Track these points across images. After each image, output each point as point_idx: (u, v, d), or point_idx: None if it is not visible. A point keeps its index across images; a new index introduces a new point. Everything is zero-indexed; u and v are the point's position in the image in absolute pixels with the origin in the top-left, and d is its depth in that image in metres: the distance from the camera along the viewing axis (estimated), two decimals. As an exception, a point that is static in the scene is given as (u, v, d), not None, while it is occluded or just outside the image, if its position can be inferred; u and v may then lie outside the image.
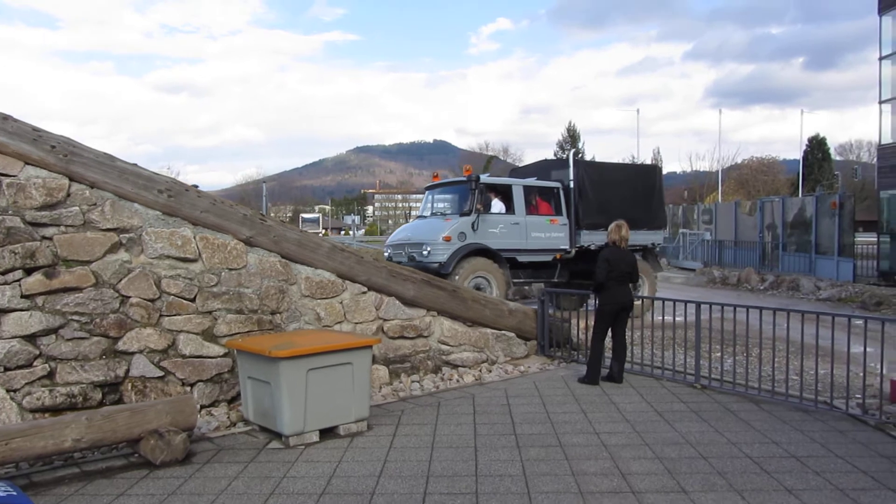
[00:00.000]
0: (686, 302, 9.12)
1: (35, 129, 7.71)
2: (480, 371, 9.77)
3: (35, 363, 7.26)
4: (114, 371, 7.60)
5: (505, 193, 15.07)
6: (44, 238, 7.53)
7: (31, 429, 5.89)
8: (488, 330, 10.35)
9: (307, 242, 9.08)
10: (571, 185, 15.31)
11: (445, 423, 7.31)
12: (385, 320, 9.53)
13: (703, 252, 33.61)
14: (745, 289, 24.04)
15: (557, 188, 15.37)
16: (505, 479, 5.64)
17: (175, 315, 8.08)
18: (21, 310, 7.28)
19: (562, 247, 15.25)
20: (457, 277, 13.47)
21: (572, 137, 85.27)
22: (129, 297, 7.84)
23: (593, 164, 17.65)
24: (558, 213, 15.41)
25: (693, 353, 9.17)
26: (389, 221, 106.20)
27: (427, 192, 16.69)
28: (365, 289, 9.40)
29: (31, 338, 7.28)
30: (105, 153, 8.10)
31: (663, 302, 9.73)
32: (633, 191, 15.84)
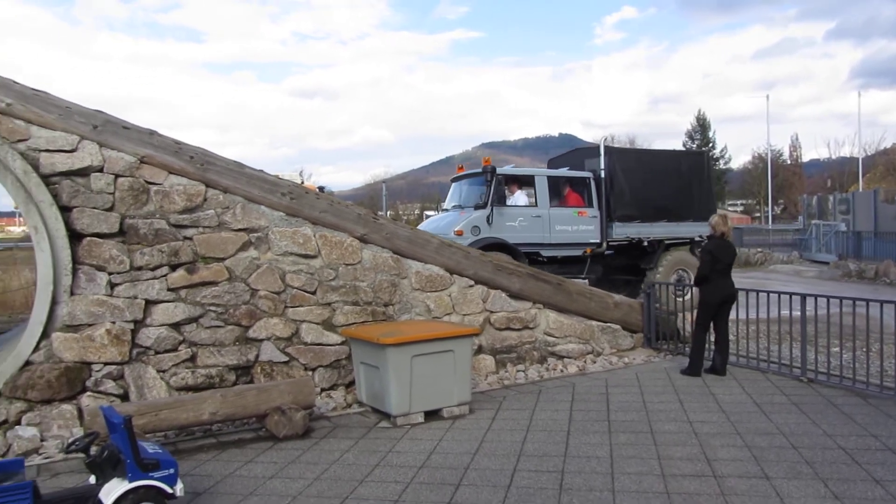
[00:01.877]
0: (791, 294, 9.01)
1: (176, 142, 8.75)
2: (585, 362, 10.05)
3: (179, 348, 8.27)
4: (245, 356, 8.50)
5: (529, 185, 14.23)
6: (185, 238, 8.53)
7: (176, 402, 6.83)
8: (594, 322, 10.60)
9: (417, 239, 9.70)
10: (602, 174, 14.31)
11: (543, 409, 7.69)
12: (492, 312, 9.99)
13: (839, 244, 31.82)
14: (884, 283, 22.69)
15: (588, 178, 14.37)
16: (591, 460, 5.97)
17: (298, 306, 8.90)
18: (167, 301, 8.31)
19: (591, 240, 14.22)
20: None
21: (702, 126, 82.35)
22: (258, 289, 8.73)
23: (628, 152, 16.25)
24: (590, 204, 14.43)
25: (807, 346, 9.05)
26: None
27: (452, 183, 15.78)
28: (472, 282, 9.90)
29: (176, 326, 8.29)
30: (235, 161, 9.05)
31: (768, 295, 9.62)
32: (677, 180, 14.68)
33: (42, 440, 7.14)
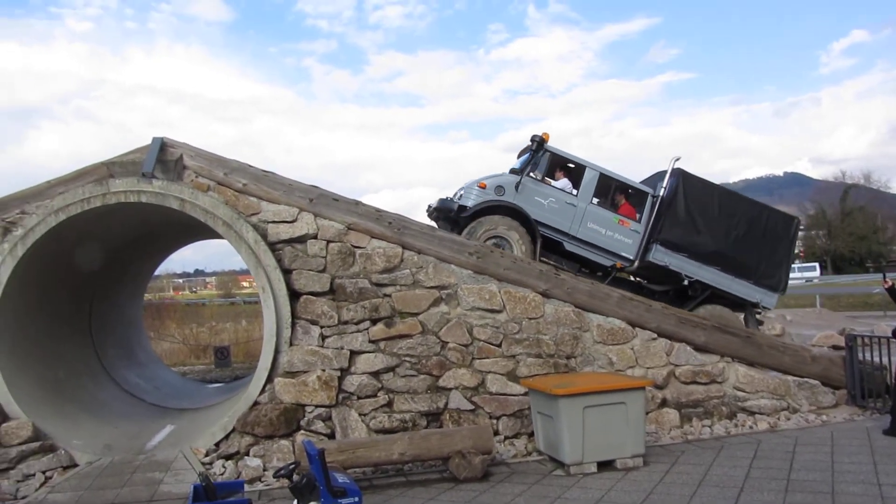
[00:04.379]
0: None
1: (377, 210, 9.91)
2: (778, 419, 9.64)
3: (378, 394, 9.25)
4: (436, 403, 9.28)
5: (579, 175, 13.00)
6: (384, 295, 9.58)
7: (370, 442, 7.72)
8: (789, 377, 10.14)
9: (597, 293, 10.01)
10: (663, 192, 12.99)
11: (721, 464, 7.61)
12: (676, 366, 9.97)
13: None
14: None
15: (648, 193, 13.06)
16: (759, 517, 5.90)
17: (484, 358, 9.56)
18: (369, 352, 9.36)
19: (624, 254, 12.80)
20: (469, 230, 11.86)
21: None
22: (448, 342, 9.52)
23: (704, 184, 13.48)
24: (639, 220, 13.12)
25: None
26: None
27: (518, 156, 14.54)
28: (655, 335, 9.98)
29: (375, 374, 9.30)
30: (427, 225, 10.06)
31: None
32: (751, 233, 12.99)
33: (264, 470, 8.35)
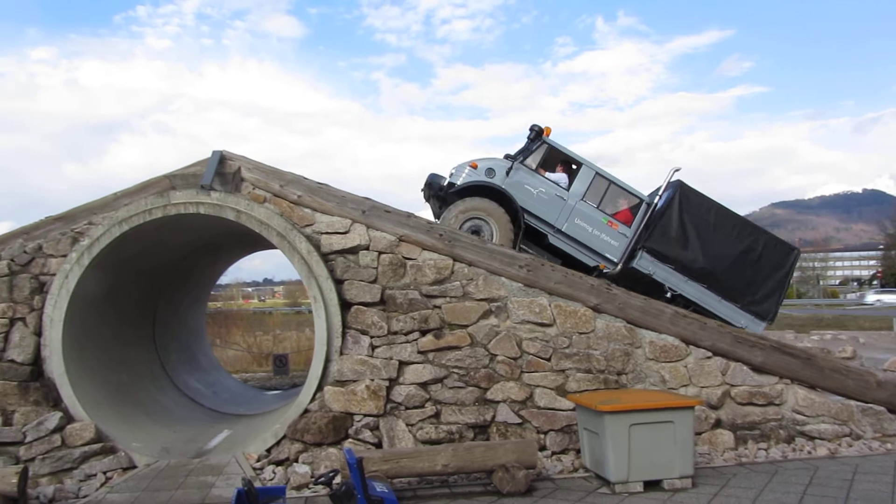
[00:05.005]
0: None
1: (428, 222, 10.01)
2: (839, 445, 9.25)
3: (426, 405, 9.29)
4: (483, 416, 9.26)
5: (576, 172, 12.87)
6: (434, 307, 9.63)
7: (414, 453, 7.76)
8: (852, 402, 9.73)
9: (650, 309, 9.84)
10: (657, 201, 12.80)
11: (773, 489, 7.35)
12: (732, 386, 9.69)
13: None
14: None
15: (643, 200, 12.88)
16: (808, 544, 5.68)
17: (533, 372, 9.50)
18: (417, 363, 9.41)
19: (608, 255, 12.64)
20: (450, 212, 11.97)
21: None
22: (497, 355, 9.50)
23: (703, 199, 12.68)
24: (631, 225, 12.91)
25: None
26: (810, 283, 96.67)
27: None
28: (710, 354, 9.74)
29: (423, 385, 9.34)
30: (477, 238, 10.08)
31: None
32: (745, 256, 12.57)
33: (311, 476, 8.46)
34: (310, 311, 11.34)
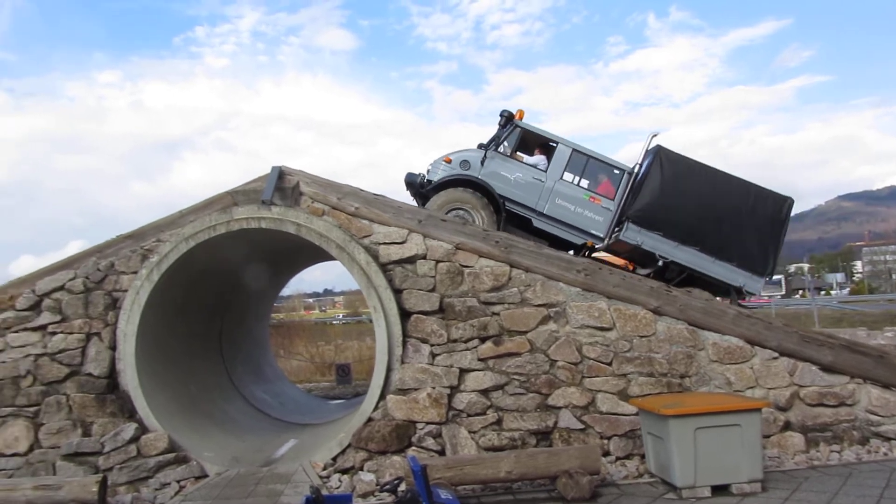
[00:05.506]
0: None
1: (484, 230, 10.06)
2: (918, 446, 8.93)
3: (487, 412, 9.32)
4: (545, 422, 9.25)
5: (552, 152, 12.75)
6: (493, 314, 9.67)
7: (477, 460, 7.82)
8: (931, 401, 9.38)
9: (712, 310, 9.68)
10: (638, 169, 12.52)
11: (847, 493, 7.15)
12: (800, 386, 9.44)
13: None
14: None
15: (624, 171, 12.62)
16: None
17: (594, 377, 9.45)
18: (478, 370, 9.46)
19: (594, 231, 12.44)
20: (430, 204, 12.01)
21: None
22: (557, 360, 9.48)
23: (685, 161, 12.12)
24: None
25: None
26: (882, 278, 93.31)
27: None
28: (776, 354, 9.52)
29: (484, 392, 9.39)
30: (533, 244, 10.08)
31: None
32: (735, 212, 12.22)
33: (377, 484, 8.58)
34: (370, 321, 11.52)
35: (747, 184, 12.43)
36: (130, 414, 9.74)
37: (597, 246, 12.51)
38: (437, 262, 9.90)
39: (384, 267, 9.86)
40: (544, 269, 9.81)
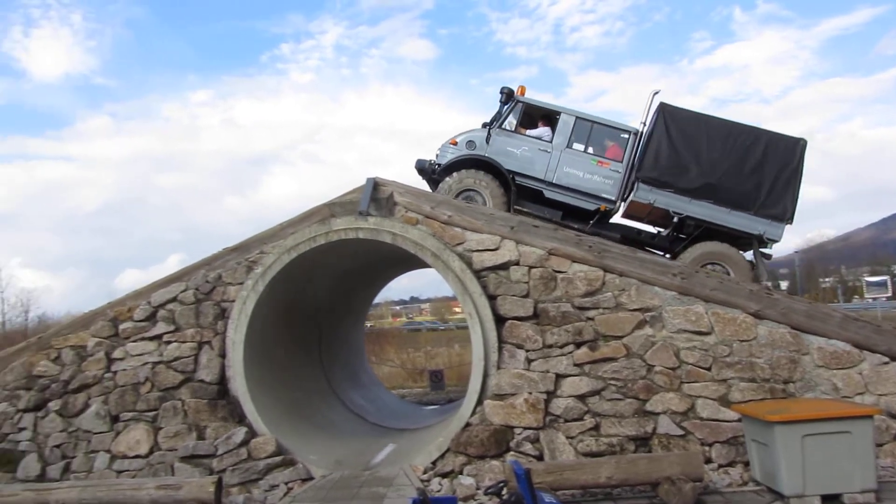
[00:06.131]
0: None
1: (577, 235, 10.09)
2: None
3: (584, 417, 9.33)
4: (643, 428, 9.17)
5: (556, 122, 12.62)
6: (587, 319, 9.68)
7: (577, 465, 7.87)
8: None
9: (816, 313, 9.40)
10: (644, 129, 12.21)
11: (969, 503, 6.83)
12: (915, 393, 9.05)
13: None
14: None
15: (630, 132, 12.41)
16: None
17: (693, 382, 9.32)
18: (573, 375, 9.49)
19: (605, 195, 12.29)
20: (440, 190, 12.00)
21: None
22: (654, 365, 9.40)
23: (691, 115, 11.32)
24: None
25: None
26: None
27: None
28: (886, 359, 9.15)
29: (581, 397, 9.40)
30: (627, 248, 10.05)
31: None
32: (747, 160, 11.81)
33: (477, 488, 8.73)
34: (458, 328, 11.74)
35: (756, 129, 12.23)
36: (240, 418, 10.23)
37: (609, 209, 12.56)
38: (531, 267, 9.99)
39: (478, 273, 10.02)
40: (639, 273, 9.76)
